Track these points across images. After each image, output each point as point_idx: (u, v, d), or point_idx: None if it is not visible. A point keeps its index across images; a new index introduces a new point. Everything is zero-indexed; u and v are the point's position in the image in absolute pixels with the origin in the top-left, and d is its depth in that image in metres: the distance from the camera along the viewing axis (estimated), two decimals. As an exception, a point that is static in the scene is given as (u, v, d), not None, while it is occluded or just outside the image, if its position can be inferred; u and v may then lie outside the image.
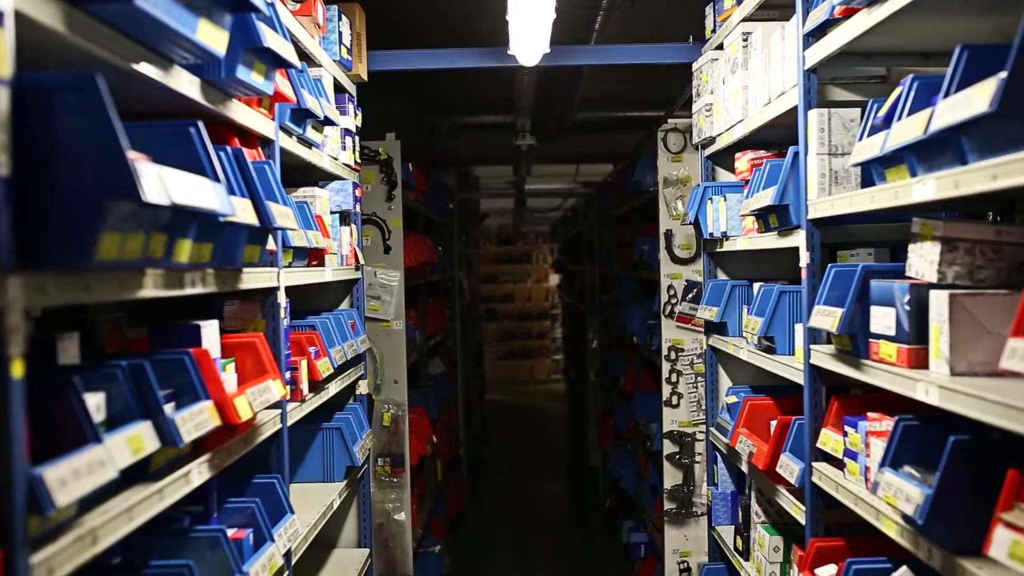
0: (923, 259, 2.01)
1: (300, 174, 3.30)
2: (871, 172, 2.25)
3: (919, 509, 1.76)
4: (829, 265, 2.43)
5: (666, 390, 4.83)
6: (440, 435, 6.68)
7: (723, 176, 3.93)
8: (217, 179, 1.73)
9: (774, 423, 2.99)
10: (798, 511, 2.72)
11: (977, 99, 1.52)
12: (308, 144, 2.98)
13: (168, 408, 1.77)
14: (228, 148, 1.99)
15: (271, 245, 2.43)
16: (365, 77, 3.94)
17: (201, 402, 1.88)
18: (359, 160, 3.94)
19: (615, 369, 7.51)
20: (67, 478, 1.31)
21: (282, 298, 2.60)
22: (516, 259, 16.57)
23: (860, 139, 2.21)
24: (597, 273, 9.06)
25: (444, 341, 7.85)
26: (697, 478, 4.84)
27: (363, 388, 3.94)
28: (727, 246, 3.55)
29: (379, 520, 4.81)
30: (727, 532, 3.74)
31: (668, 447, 4.84)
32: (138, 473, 1.73)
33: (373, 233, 4.78)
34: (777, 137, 3.26)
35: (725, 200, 3.48)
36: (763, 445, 2.97)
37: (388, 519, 4.87)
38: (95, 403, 1.63)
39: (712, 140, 3.73)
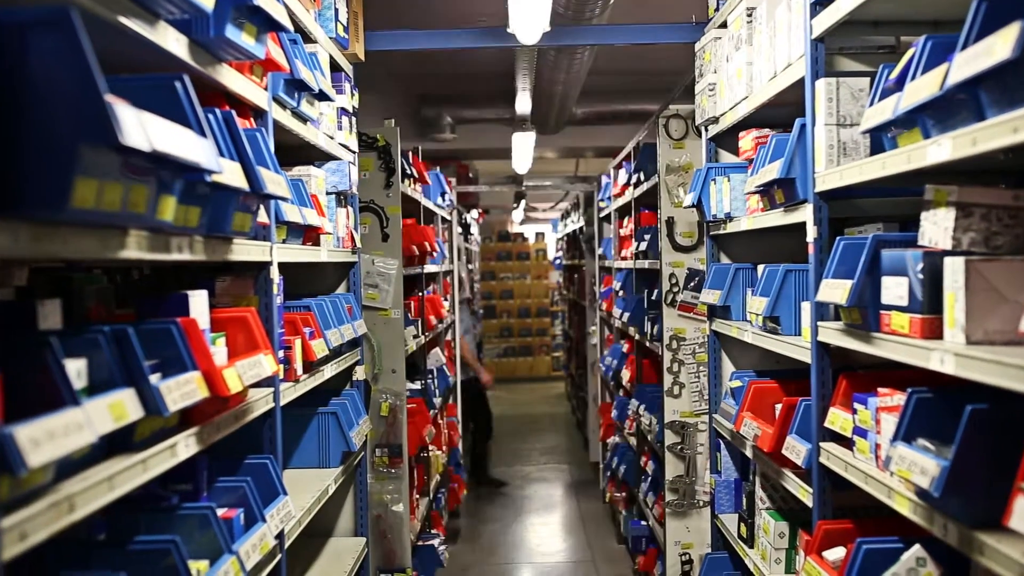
0: (937, 226, 1.94)
1: (295, 155, 3.23)
2: (881, 141, 2.18)
3: (935, 481, 1.69)
4: (838, 238, 2.36)
5: (667, 380, 4.77)
6: (439, 427, 6.61)
7: (726, 159, 3.86)
8: (204, 136, 1.66)
9: (779, 406, 2.93)
10: (805, 494, 2.65)
11: (999, 46, 1.46)
12: (303, 119, 2.91)
13: (154, 378, 1.70)
14: (217, 110, 1.92)
15: (263, 217, 2.36)
16: (362, 57, 3.87)
17: (188, 372, 1.81)
18: (356, 144, 3.87)
19: (615, 362, 7.44)
20: (40, 439, 1.24)
21: (275, 274, 2.53)
22: (516, 255, 16.50)
23: (871, 105, 2.14)
24: (597, 266, 8.99)
25: (444, 334, 7.78)
26: (699, 469, 4.78)
27: (360, 374, 3.87)
28: (731, 227, 3.48)
29: (377, 511, 4.75)
30: (730, 520, 3.67)
31: (670, 438, 4.78)
32: (121, 443, 1.66)
33: (371, 221, 4.72)
34: (781, 117, 3.19)
35: (729, 180, 3.42)
36: (768, 427, 2.91)
37: (386, 511, 4.80)
38: (75, 369, 1.56)
39: (715, 120, 3.66)
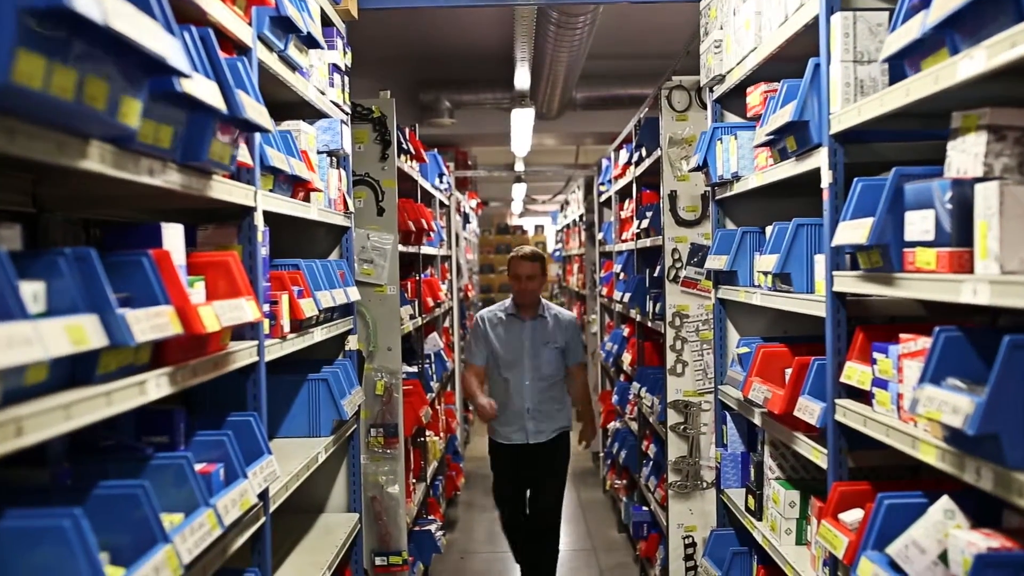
0: (966, 153, 1.80)
1: (285, 113, 3.09)
2: (903, 72, 2.04)
3: (969, 419, 1.55)
4: (855, 179, 2.23)
5: (670, 358, 4.64)
6: (436, 412, 6.48)
7: (733, 121, 3.73)
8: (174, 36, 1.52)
9: (789, 371, 2.80)
10: (818, 455, 2.51)
11: (1045, -74, 1.32)
12: (291, 67, 2.78)
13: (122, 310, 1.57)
14: (192, 27, 1.78)
15: (245, 157, 2.22)
16: (355, 14, 3.73)
17: (160, 306, 1.68)
18: (350, 108, 3.74)
19: (615, 347, 7.31)
20: (-20, 345, 1.11)
21: (259, 220, 2.39)
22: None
23: (892, 31, 2.01)
24: (597, 253, 8.87)
25: (442, 320, 7.64)
26: (703, 450, 4.65)
27: (353, 343, 3.73)
28: (738, 187, 3.35)
29: (372, 493, 4.62)
30: (737, 495, 3.54)
31: (673, 417, 4.65)
32: (83, 376, 1.52)
33: (366, 195, 4.59)
34: (790, 73, 3.05)
35: (736, 139, 3.28)
36: (779, 389, 2.77)
37: (381, 492, 4.67)
38: (31, 292, 1.42)
39: (721, 79, 3.53)
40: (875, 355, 2.14)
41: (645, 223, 5.53)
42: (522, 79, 6.82)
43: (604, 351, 8.10)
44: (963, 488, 1.91)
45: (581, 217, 10.51)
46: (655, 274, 5.40)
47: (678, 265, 4.67)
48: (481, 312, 5.22)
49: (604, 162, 8.18)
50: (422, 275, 6.22)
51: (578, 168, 11.05)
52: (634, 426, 6.36)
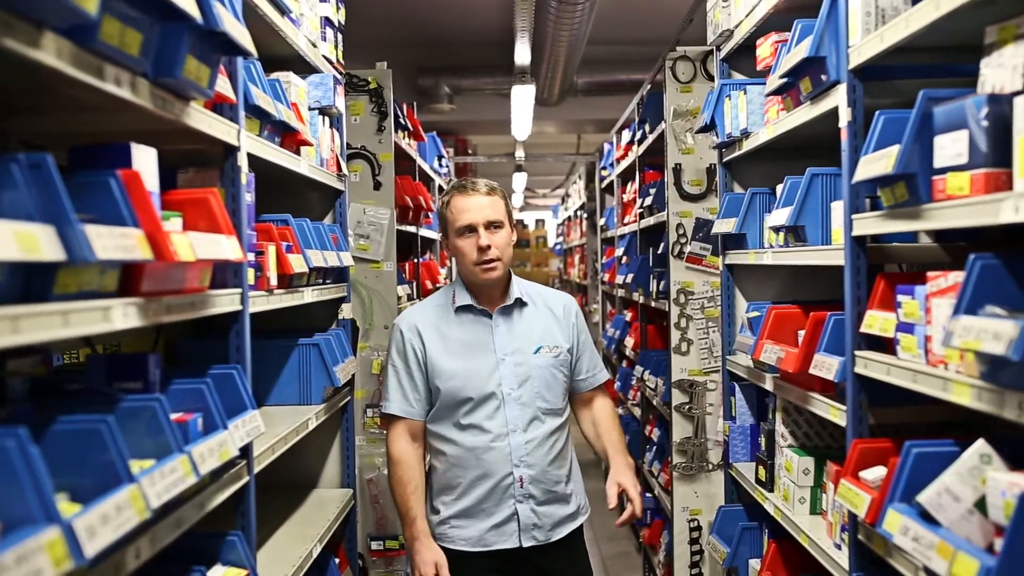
0: (1003, 68, 1.67)
1: (274, 68, 2.96)
2: (929, -6, 1.91)
3: (1014, 344, 1.41)
4: (877, 112, 2.09)
5: (675, 336, 4.50)
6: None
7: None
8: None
9: (802, 332, 2.66)
10: (836, 413, 2.37)
11: None
12: (281, 10, 2.64)
13: (84, 230, 1.43)
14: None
15: (227, 90, 2.08)
16: (347, -34, 3.60)
17: (128, 228, 1.54)
18: (342, 65, 3.60)
19: (618, 332, 7.18)
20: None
21: (243, 162, 2.25)
22: (515, 244, 16.24)
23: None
24: (599, 240, 8.74)
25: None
26: (708, 430, 4.52)
27: (346, 312, 3.60)
28: (747, 145, 3.21)
29: (368, 475, 4.49)
30: (747, 469, 3.39)
31: (677, 397, 4.52)
32: (37, 294, 1.38)
33: (362, 168, 4.47)
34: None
35: (745, 93, 3.14)
36: (792, 348, 2.63)
37: (378, 474, 4.54)
38: (-21, 198, 1.29)
39: (730, 34, 3.39)
40: (900, 298, 2.00)
41: (648, 201, 5.40)
42: (522, 55, 6.68)
43: (606, 338, 7.97)
44: (992, 437, 1.78)
45: (582, 206, 10.39)
46: (659, 252, 5.27)
47: (683, 240, 4.54)
48: (401, 317, 2.83)
49: (606, 146, 8.06)
50: (421, 258, 6.09)
51: (579, 155, 10.92)
52: (637, 412, 6.23)
